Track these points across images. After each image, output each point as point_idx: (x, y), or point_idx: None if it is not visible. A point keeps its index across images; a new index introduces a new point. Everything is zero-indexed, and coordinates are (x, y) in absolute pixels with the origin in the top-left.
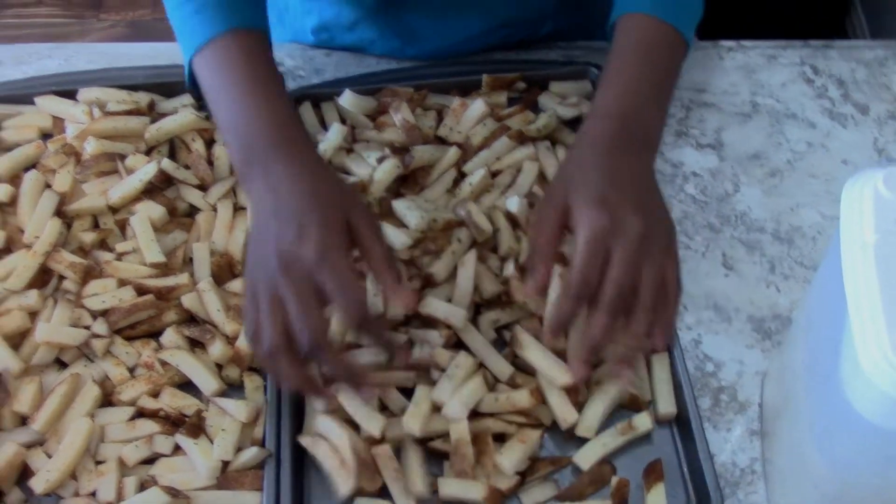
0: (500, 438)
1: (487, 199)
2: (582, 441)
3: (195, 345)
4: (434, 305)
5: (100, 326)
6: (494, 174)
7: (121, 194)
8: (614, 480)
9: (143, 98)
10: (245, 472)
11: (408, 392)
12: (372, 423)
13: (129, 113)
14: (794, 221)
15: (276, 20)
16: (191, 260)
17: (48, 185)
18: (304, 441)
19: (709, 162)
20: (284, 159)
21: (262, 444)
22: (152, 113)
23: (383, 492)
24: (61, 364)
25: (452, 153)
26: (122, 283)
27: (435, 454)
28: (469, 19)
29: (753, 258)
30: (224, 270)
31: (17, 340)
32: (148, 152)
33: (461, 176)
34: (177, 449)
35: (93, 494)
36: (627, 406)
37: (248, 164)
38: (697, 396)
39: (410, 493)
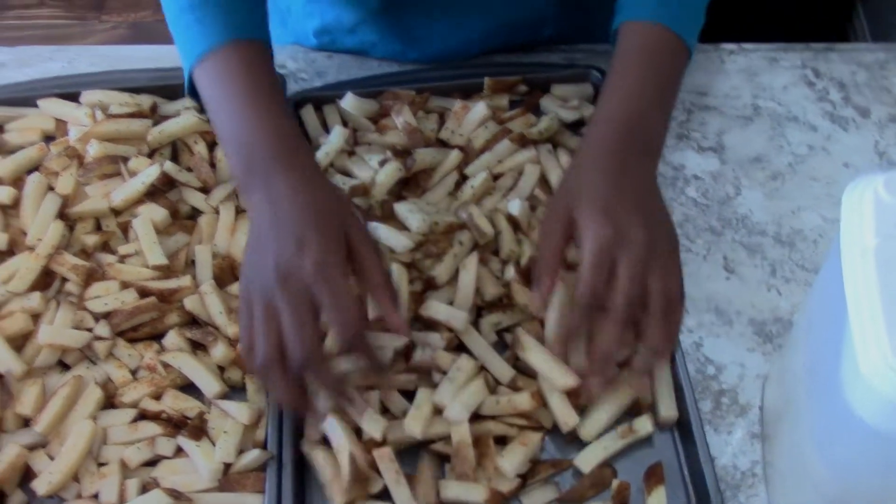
0: (502, 441)
1: (489, 201)
2: (583, 444)
3: (197, 347)
4: (435, 308)
5: (102, 329)
6: (496, 177)
7: (123, 197)
8: (615, 483)
9: (145, 101)
10: (247, 475)
11: (409, 394)
12: (373, 426)
13: (131, 115)
14: (795, 224)
15: (279, 23)
16: (193, 262)
17: (51, 188)
18: (304, 448)
19: (710, 165)
20: (284, 171)
21: (263, 446)
22: (155, 115)
23: (384, 494)
24: (64, 366)
25: (454, 156)
26: (125, 285)
27: (436, 456)
28: (470, 22)
29: (755, 261)
30: (226, 273)
31: (19, 343)
32: (150, 155)
33: (463, 179)
34: (179, 451)
35: (95, 496)
36: (628, 409)
37: (248, 175)
38: (698, 399)
39: (414, 497)
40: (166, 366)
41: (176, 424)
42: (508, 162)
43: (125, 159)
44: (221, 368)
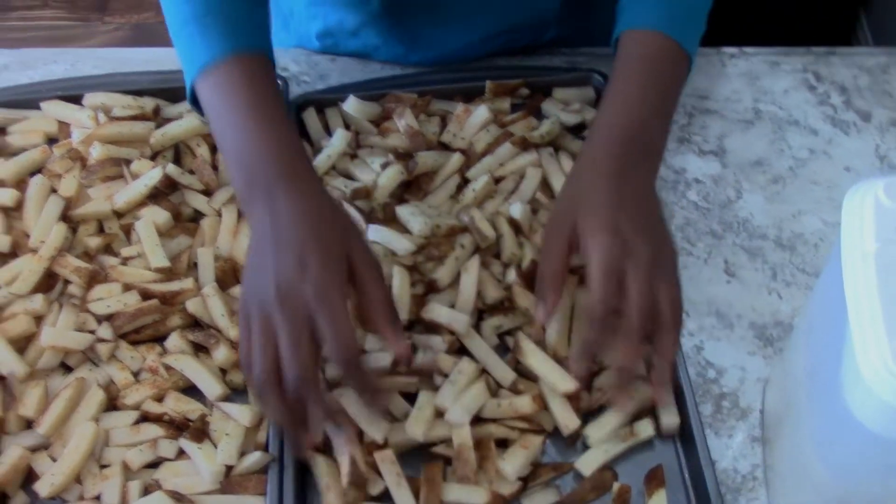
0: (503, 444)
1: (491, 205)
2: (583, 447)
3: (199, 349)
4: (437, 311)
5: (105, 331)
6: (498, 180)
7: (126, 199)
8: (616, 486)
9: (148, 103)
10: (248, 477)
11: (411, 397)
12: (375, 428)
13: (134, 118)
14: (796, 228)
15: (282, 25)
16: (195, 265)
17: (54, 190)
18: (306, 454)
19: (711, 168)
20: (286, 188)
21: (265, 448)
22: (157, 118)
23: (385, 496)
24: (66, 368)
25: (456, 159)
26: (127, 287)
27: (438, 459)
28: (472, 25)
29: (755, 265)
30: (228, 275)
31: (22, 344)
32: (153, 157)
33: (464, 182)
34: (181, 453)
35: (97, 498)
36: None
37: (250, 189)
38: (699, 403)
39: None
40: (168, 368)
41: (178, 426)
42: (510, 165)
43: (128, 162)
44: (223, 371)
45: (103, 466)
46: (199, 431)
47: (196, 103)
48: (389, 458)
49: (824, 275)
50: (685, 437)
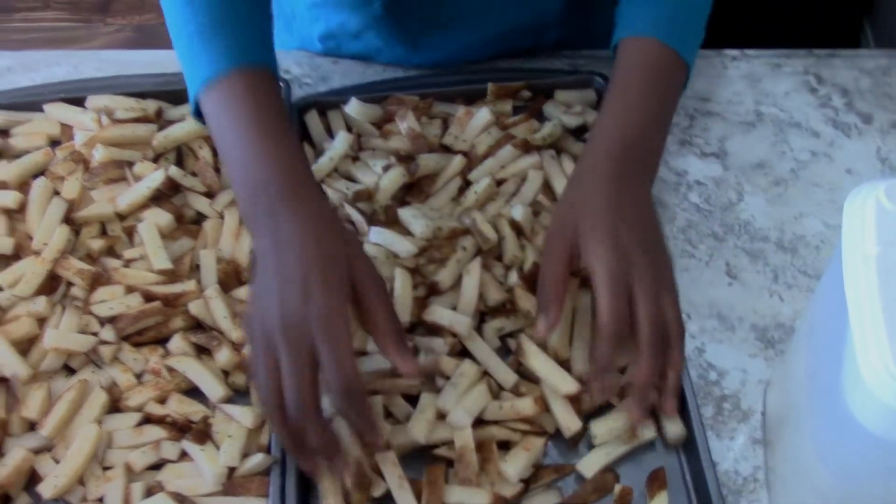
0: (505, 446)
1: (492, 207)
2: (585, 449)
3: (202, 351)
4: (439, 313)
5: (107, 333)
6: (499, 183)
7: (129, 201)
8: (617, 488)
9: (150, 105)
10: (251, 479)
11: (413, 399)
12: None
13: (136, 120)
14: (797, 231)
15: (284, 27)
16: (198, 267)
17: (56, 192)
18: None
19: (713, 171)
20: (288, 210)
21: (267, 450)
22: (160, 120)
23: (387, 498)
24: (69, 370)
25: (457, 161)
26: (130, 289)
27: (439, 461)
28: (474, 27)
29: (757, 267)
30: (231, 277)
31: (25, 347)
32: (155, 160)
33: (466, 184)
34: (183, 455)
35: (100, 500)
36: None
37: (253, 207)
38: (700, 405)
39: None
40: (171, 370)
41: (180, 428)
42: (512, 167)
43: (130, 164)
44: (226, 373)
45: (106, 468)
46: (202, 433)
47: (200, 116)
48: (391, 460)
49: (825, 277)
50: (687, 439)
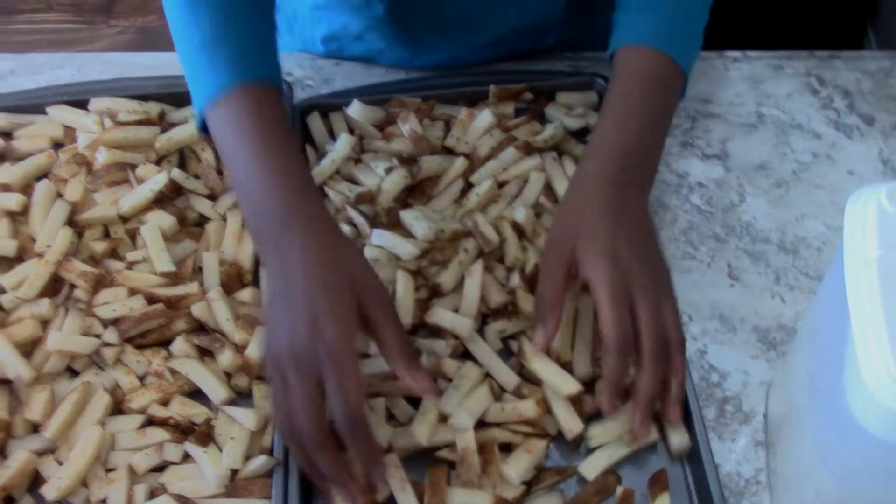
0: (506, 448)
1: (494, 209)
2: (587, 451)
3: (204, 353)
4: (441, 315)
5: (110, 335)
6: (501, 185)
7: (131, 204)
8: (619, 490)
9: (153, 108)
10: (253, 481)
11: (415, 401)
12: (379, 433)
13: (139, 123)
14: (799, 232)
15: (285, 28)
16: (200, 269)
17: (59, 195)
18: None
19: (714, 172)
20: (296, 233)
21: (270, 452)
22: (162, 123)
23: (390, 500)
24: (72, 372)
25: (459, 164)
26: (133, 291)
27: (442, 463)
28: (476, 29)
29: (759, 269)
30: (233, 280)
31: (28, 349)
32: (158, 162)
33: (468, 186)
34: (186, 457)
35: (103, 502)
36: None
37: (260, 225)
38: (702, 407)
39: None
40: (174, 372)
41: (183, 430)
42: (513, 170)
43: (133, 166)
44: (228, 375)
45: (109, 470)
46: (205, 435)
47: (205, 130)
48: (394, 463)
49: (827, 279)
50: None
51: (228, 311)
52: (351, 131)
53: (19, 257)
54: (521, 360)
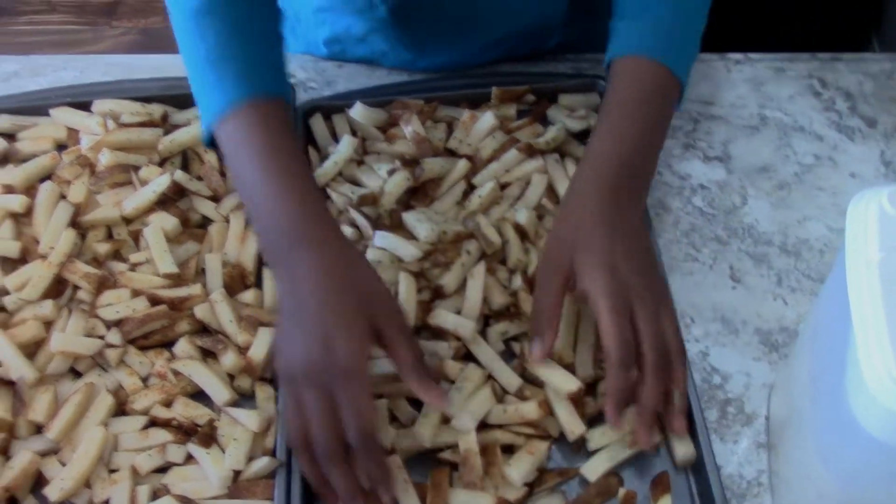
0: (509, 450)
1: (496, 211)
2: (589, 453)
3: (207, 355)
4: (443, 317)
5: (113, 336)
6: (503, 186)
7: (135, 205)
8: (621, 492)
9: (156, 110)
10: (256, 482)
11: (417, 403)
12: (382, 435)
13: (142, 125)
14: (801, 234)
15: (289, 31)
16: (203, 271)
17: (63, 196)
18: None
19: (716, 174)
20: (306, 250)
21: (273, 453)
22: (166, 125)
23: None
24: (76, 373)
25: (462, 165)
26: (136, 293)
27: (444, 465)
28: (479, 31)
29: (761, 271)
30: (236, 281)
31: (32, 350)
32: (161, 164)
33: (471, 188)
34: (189, 458)
35: (106, 503)
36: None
37: (270, 240)
38: (704, 408)
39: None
40: (177, 373)
41: (186, 432)
42: (516, 171)
43: (136, 168)
44: (231, 376)
45: (112, 471)
46: (208, 436)
47: (212, 144)
48: (396, 464)
49: (829, 282)
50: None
51: (231, 312)
52: (353, 133)
53: (23, 259)
54: (523, 361)
